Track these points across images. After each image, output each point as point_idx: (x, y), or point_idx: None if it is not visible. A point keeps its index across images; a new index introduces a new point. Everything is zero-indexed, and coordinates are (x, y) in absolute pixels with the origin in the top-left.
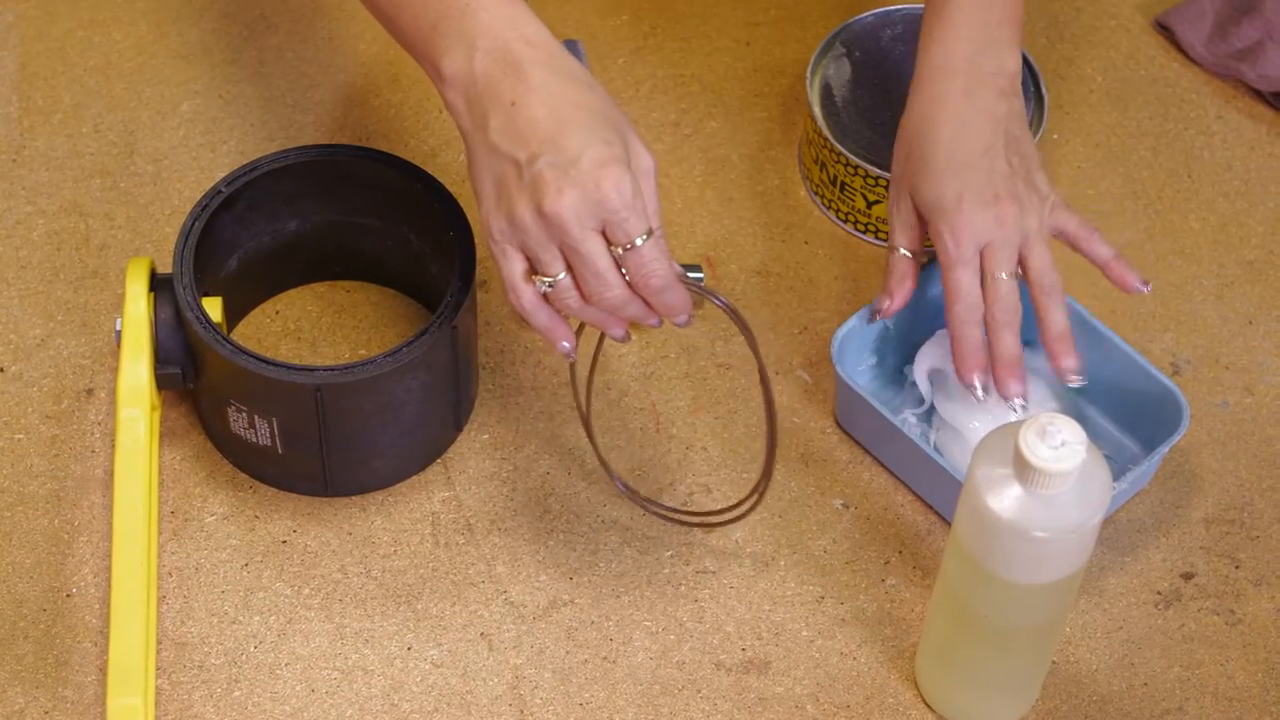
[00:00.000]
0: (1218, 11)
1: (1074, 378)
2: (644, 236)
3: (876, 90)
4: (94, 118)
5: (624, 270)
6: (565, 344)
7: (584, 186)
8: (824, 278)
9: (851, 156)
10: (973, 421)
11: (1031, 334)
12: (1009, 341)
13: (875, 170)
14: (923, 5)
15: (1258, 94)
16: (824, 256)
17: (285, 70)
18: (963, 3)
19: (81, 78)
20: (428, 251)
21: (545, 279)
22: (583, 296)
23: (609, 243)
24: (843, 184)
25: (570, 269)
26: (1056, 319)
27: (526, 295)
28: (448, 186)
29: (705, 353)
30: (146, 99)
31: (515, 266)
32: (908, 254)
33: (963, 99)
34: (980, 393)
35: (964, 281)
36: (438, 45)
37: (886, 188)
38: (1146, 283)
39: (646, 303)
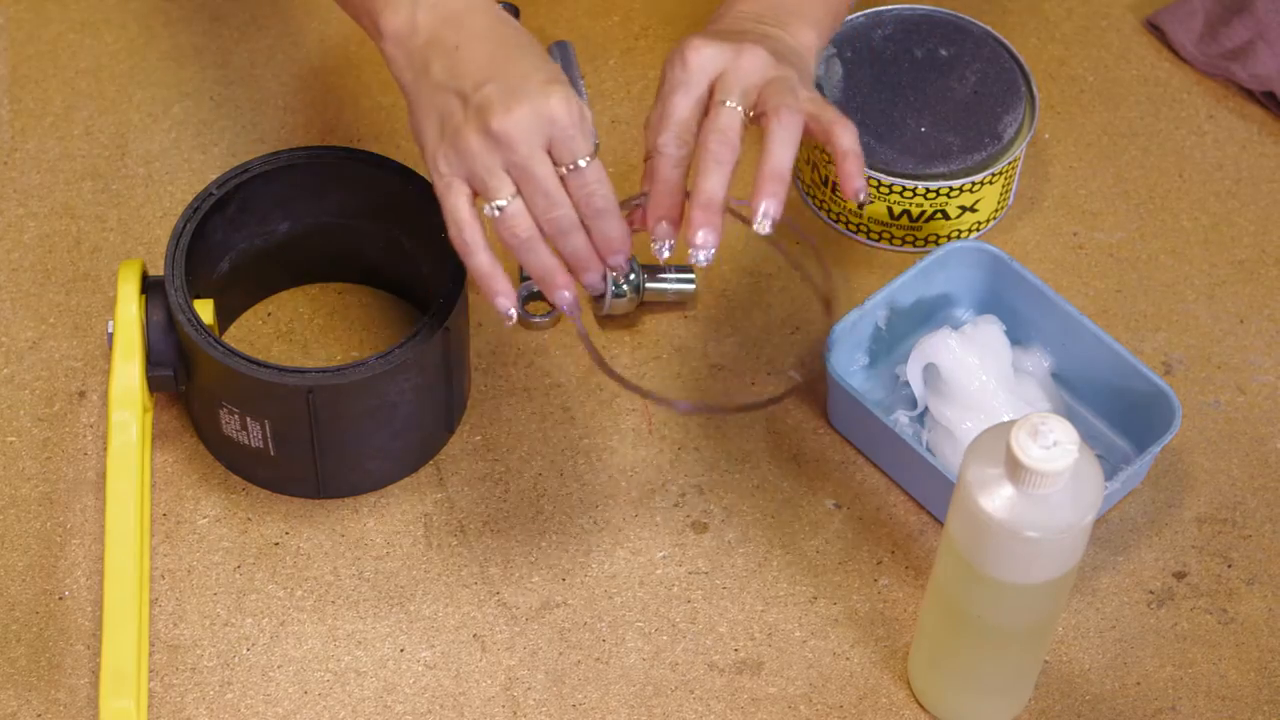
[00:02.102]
0: (1208, 11)
1: (762, 221)
2: (588, 158)
3: (868, 90)
4: (85, 120)
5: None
6: (503, 298)
7: (532, 102)
8: (816, 278)
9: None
10: (965, 421)
11: (1020, 334)
12: (715, 181)
13: (866, 170)
14: (915, 5)
15: (1249, 93)
16: (816, 256)
17: (276, 72)
18: None
19: (72, 80)
20: (419, 253)
21: (494, 203)
22: (531, 224)
23: (554, 163)
24: (834, 184)
25: (519, 192)
26: (782, 151)
27: (470, 229)
28: None
29: (698, 353)
30: (138, 101)
31: (460, 200)
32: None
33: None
34: (665, 249)
35: (679, 105)
36: (378, 3)
37: (877, 188)
38: (864, 196)
39: (589, 236)
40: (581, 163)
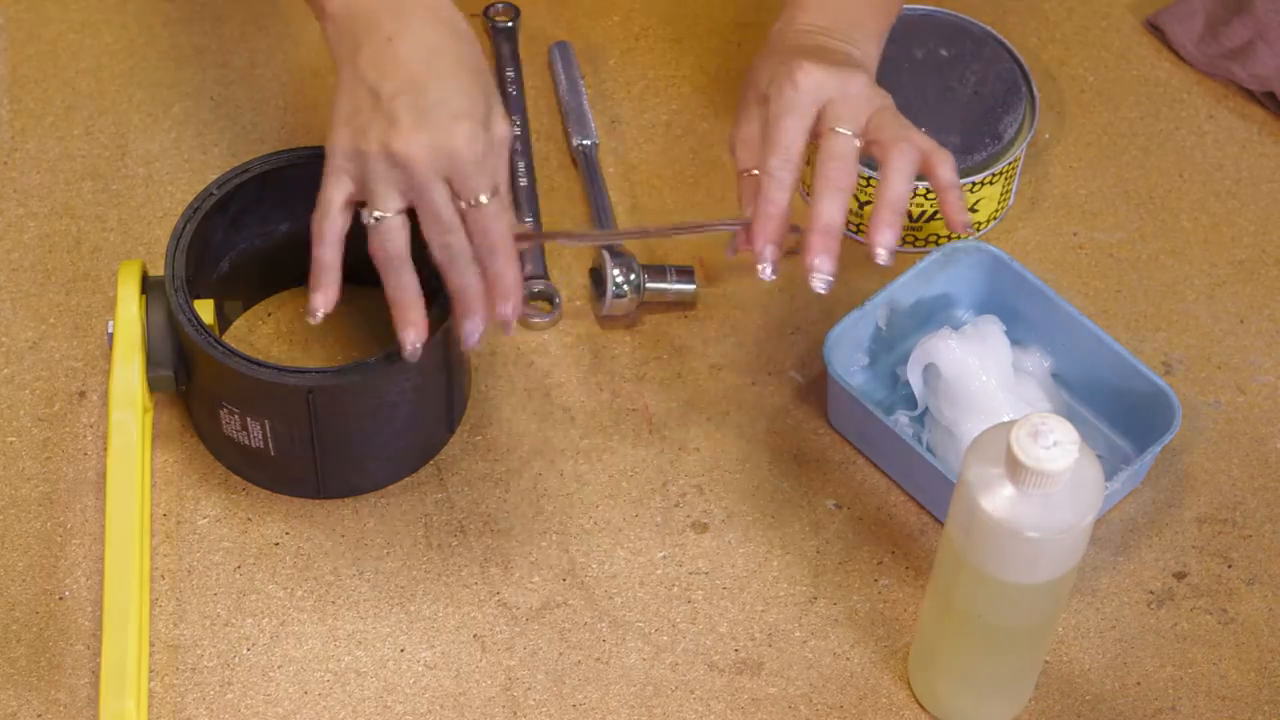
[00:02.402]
0: (1208, 11)
1: (881, 252)
2: (488, 195)
3: None
4: (85, 120)
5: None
6: (321, 295)
7: (436, 134)
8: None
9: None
10: (965, 422)
11: (1020, 334)
12: (835, 207)
13: (866, 170)
14: (915, 5)
15: (1249, 94)
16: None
17: (276, 72)
18: None
19: (73, 80)
20: (419, 253)
21: (374, 213)
22: (403, 244)
23: (455, 195)
24: None
25: (413, 210)
26: (901, 184)
27: (331, 222)
28: None
29: (698, 354)
30: (138, 101)
31: (338, 194)
32: (753, 172)
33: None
34: (770, 271)
35: (790, 130)
36: None
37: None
38: (969, 229)
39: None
40: (482, 198)
